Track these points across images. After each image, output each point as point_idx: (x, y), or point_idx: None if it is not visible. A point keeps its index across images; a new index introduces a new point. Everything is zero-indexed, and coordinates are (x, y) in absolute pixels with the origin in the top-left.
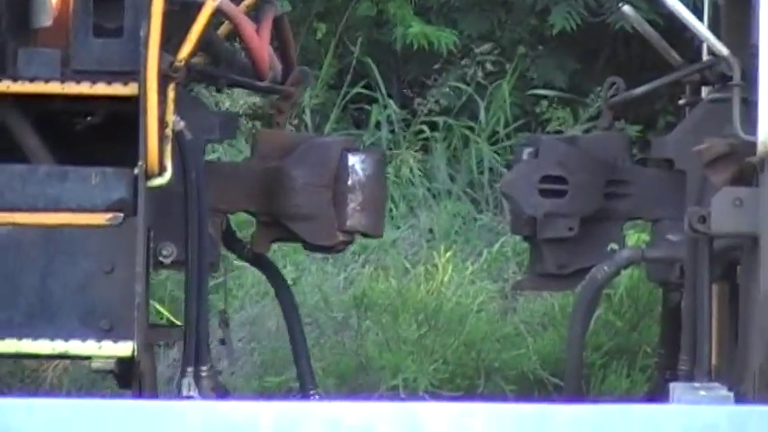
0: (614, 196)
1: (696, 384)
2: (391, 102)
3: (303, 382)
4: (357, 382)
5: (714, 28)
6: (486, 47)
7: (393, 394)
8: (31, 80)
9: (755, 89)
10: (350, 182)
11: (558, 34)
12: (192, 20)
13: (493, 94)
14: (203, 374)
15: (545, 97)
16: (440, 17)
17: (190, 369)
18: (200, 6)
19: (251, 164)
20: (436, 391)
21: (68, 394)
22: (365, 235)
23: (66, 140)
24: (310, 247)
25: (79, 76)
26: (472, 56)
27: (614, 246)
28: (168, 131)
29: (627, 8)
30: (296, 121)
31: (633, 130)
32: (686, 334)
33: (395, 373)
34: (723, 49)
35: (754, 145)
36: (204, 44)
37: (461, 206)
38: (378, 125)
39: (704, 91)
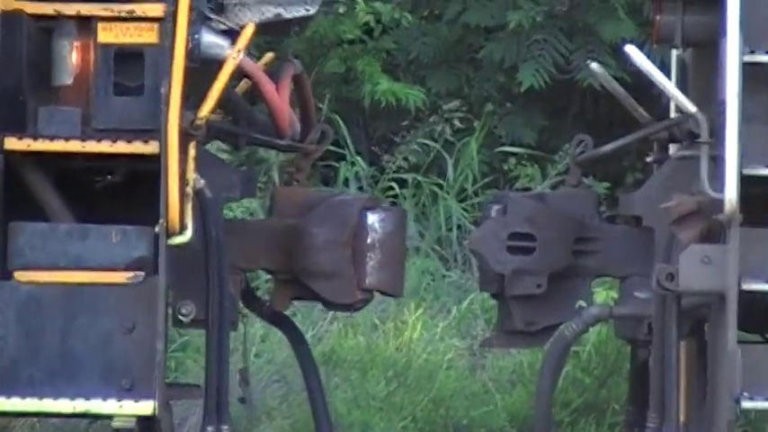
0: (582, 253)
1: None
2: (359, 159)
3: None
4: None
5: (682, 85)
6: (454, 104)
7: None
8: (52, 138)
9: (723, 146)
10: (369, 240)
11: (527, 91)
12: (212, 77)
13: (461, 151)
14: None
15: (513, 154)
16: (408, 74)
17: (211, 428)
18: (220, 64)
19: (270, 222)
20: None
21: None
22: (384, 293)
23: (87, 199)
24: (329, 306)
25: (100, 134)
26: (440, 113)
27: (582, 303)
28: (189, 189)
29: (595, 65)
30: (265, 179)
31: (601, 186)
32: (654, 391)
33: (364, 430)
34: (691, 107)
35: (721, 202)
36: (223, 102)
37: (430, 263)
38: (346, 182)
39: (672, 148)
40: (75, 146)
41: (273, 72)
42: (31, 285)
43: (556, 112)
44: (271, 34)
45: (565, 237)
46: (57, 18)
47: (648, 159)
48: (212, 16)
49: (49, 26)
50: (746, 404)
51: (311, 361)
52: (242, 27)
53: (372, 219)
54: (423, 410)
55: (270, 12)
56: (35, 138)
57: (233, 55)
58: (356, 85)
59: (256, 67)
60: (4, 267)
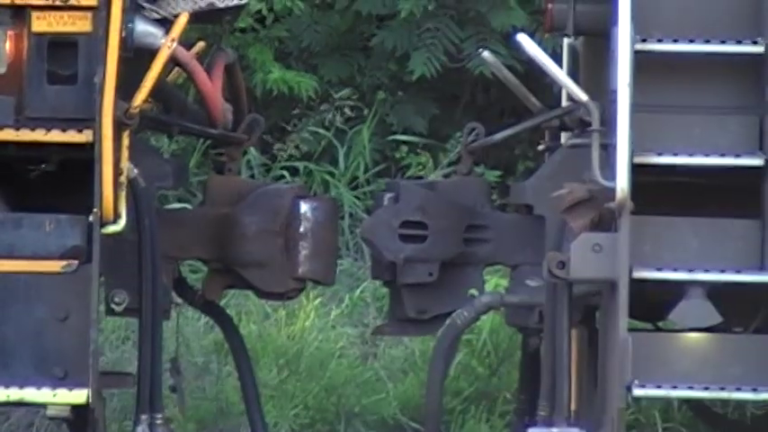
0: (474, 241)
1: (554, 429)
2: (251, 147)
3: (254, 429)
4: (217, 428)
5: (573, 74)
6: (346, 92)
7: None
8: None
9: (614, 135)
10: (302, 229)
11: (418, 80)
12: (145, 66)
13: (352, 139)
14: (158, 422)
15: (405, 143)
16: (300, 62)
17: (144, 416)
18: (153, 53)
19: (202, 211)
20: None
21: None
22: (317, 282)
23: (20, 188)
24: (262, 295)
25: (33, 123)
26: (331, 101)
27: (474, 291)
28: (123, 179)
29: (486, 54)
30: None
31: (492, 175)
32: (545, 379)
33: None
34: (582, 95)
35: (612, 191)
36: (156, 91)
37: None
38: (239, 172)
39: (563, 137)
40: (8, 134)
41: (205, 61)
42: None
43: (447, 100)
44: (203, 23)
45: (456, 225)
46: None
47: (540, 148)
48: (145, 5)
49: None
50: (638, 392)
51: (243, 349)
52: (175, 16)
53: (305, 208)
54: (315, 398)
55: (203, 1)
56: None
57: (167, 44)
58: (248, 74)
59: (190, 57)
60: None
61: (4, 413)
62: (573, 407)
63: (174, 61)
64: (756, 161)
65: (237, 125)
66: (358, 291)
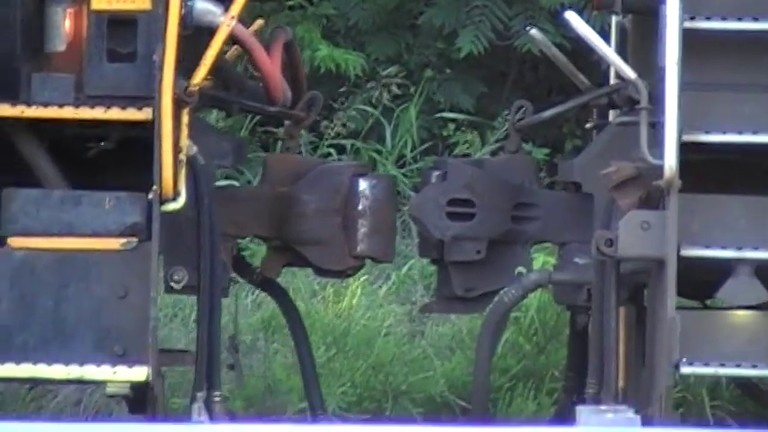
0: (522, 219)
1: (603, 407)
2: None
3: (312, 406)
4: (264, 405)
5: (621, 52)
6: (392, 69)
7: (300, 417)
8: (45, 105)
9: (662, 113)
10: (360, 207)
11: (465, 57)
12: (204, 44)
13: (400, 117)
14: (216, 399)
15: (452, 120)
16: (347, 40)
17: (200, 394)
18: (212, 31)
19: (261, 189)
20: (344, 414)
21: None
22: (375, 260)
23: (80, 165)
24: (320, 272)
25: (93, 100)
26: (378, 79)
27: (522, 269)
28: (182, 156)
29: (534, 31)
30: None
31: (540, 153)
32: (593, 357)
33: (302, 396)
34: (630, 73)
35: (660, 168)
36: (215, 69)
37: None
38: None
39: (611, 114)
40: (68, 112)
41: (264, 39)
42: (25, 251)
43: (495, 78)
44: (261, 1)
45: (504, 203)
46: None
47: (588, 126)
48: None
49: None
50: (685, 370)
51: (301, 327)
52: None
53: (363, 185)
54: (362, 376)
55: None
56: (28, 104)
57: (226, 22)
58: None
59: (249, 35)
60: None
61: (52, 390)
62: (621, 385)
63: (233, 39)
64: None
65: (296, 103)
66: (405, 268)
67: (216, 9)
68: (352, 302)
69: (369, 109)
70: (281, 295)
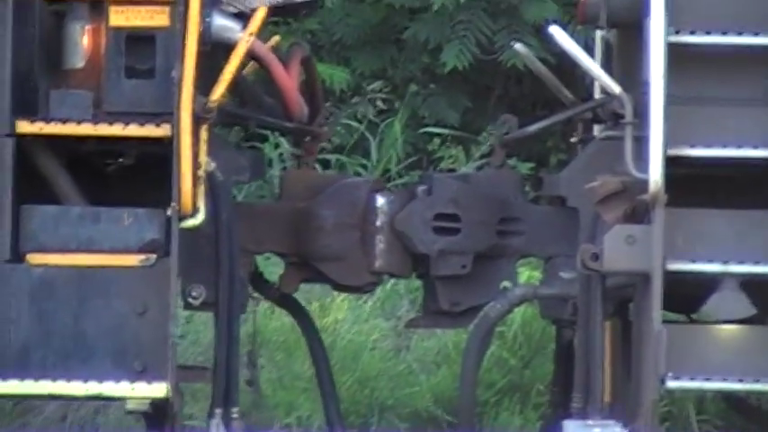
0: (507, 234)
1: (589, 421)
2: (283, 140)
3: (330, 422)
4: (251, 420)
5: (606, 66)
6: (378, 84)
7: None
8: (64, 122)
9: (647, 127)
10: (378, 222)
11: (450, 72)
12: (222, 61)
13: (385, 131)
14: (234, 416)
15: (437, 135)
16: (332, 55)
17: (219, 410)
18: (230, 47)
19: (279, 205)
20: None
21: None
22: (393, 275)
23: (99, 182)
24: (338, 288)
25: (111, 117)
26: (363, 93)
27: (507, 283)
28: (201, 173)
29: (519, 46)
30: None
31: (525, 167)
32: (579, 371)
33: (289, 410)
34: (615, 87)
35: (646, 182)
36: (233, 85)
37: None
38: (270, 163)
39: (596, 129)
40: (87, 129)
41: (281, 55)
42: (44, 268)
43: (480, 92)
44: (280, 17)
45: (490, 217)
46: (69, 2)
47: (573, 140)
48: None
49: (61, 10)
50: (671, 384)
51: (319, 342)
52: (252, 10)
53: (381, 201)
54: (347, 391)
55: None
56: (47, 121)
57: (245, 38)
58: None
59: (267, 51)
60: (17, 250)
61: (39, 406)
62: (607, 399)
63: (251, 55)
64: None
65: (313, 118)
66: (390, 283)
67: (234, 25)
68: (338, 317)
69: (354, 123)
70: (299, 312)
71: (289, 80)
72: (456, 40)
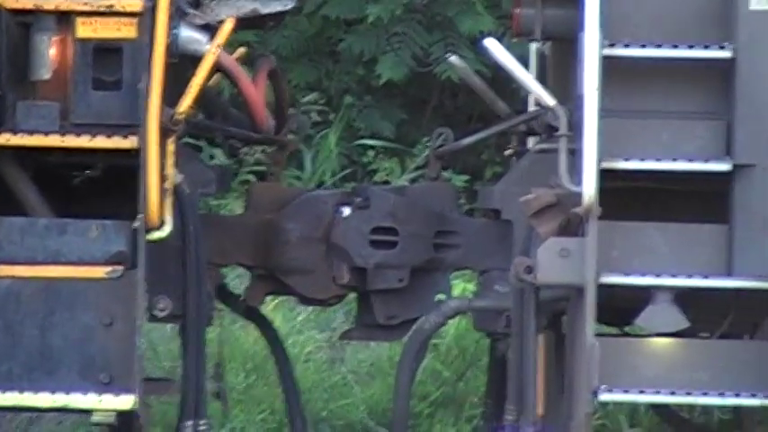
0: (443, 247)
1: None
2: (218, 151)
3: None
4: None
5: (541, 79)
6: (313, 96)
7: None
8: (31, 133)
9: (581, 140)
10: None
11: (385, 84)
12: (189, 72)
13: (319, 143)
14: (202, 428)
15: (372, 147)
16: None
17: (189, 423)
18: (196, 59)
19: (245, 217)
20: None
21: None
22: (357, 290)
23: (65, 193)
24: (304, 301)
25: (79, 129)
26: (298, 105)
27: (441, 296)
28: (168, 185)
29: (454, 58)
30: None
31: (460, 180)
32: (512, 383)
33: (223, 422)
34: (549, 100)
35: (579, 195)
36: (199, 97)
37: None
38: None
39: (531, 141)
40: (54, 140)
41: (248, 67)
42: (10, 280)
43: (415, 104)
44: (246, 29)
45: (426, 230)
46: (35, 12)
47: (507, 152)
48: (190, 11)
49: (27, 21)
50: (604, 396)
51: (285, 356)
52: (219, 22)
53: (347, 214)
54: (282, 403)
55: (247, 7)
56: (14, 132)
57: (212, 50)
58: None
59: (234, 63)
60: None
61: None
62: (540, 412)
63: (218, 67)
64: (724, 166)
65: (280, 129)
66: None
67: (201, 37)
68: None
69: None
70: (265, 325)
71: (255, 92)
72: (391, 53)
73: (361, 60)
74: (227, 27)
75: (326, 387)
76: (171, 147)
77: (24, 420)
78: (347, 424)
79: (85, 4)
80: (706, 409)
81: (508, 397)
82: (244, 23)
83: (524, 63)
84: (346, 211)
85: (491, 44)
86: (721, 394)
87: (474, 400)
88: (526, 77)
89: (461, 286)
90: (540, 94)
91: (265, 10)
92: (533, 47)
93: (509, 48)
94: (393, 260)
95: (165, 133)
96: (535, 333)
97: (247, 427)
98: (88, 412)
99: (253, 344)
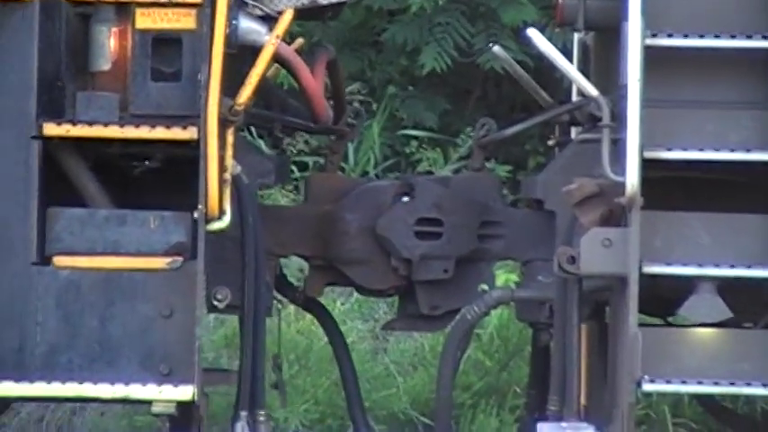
0: (487, 237)
1: (564, 424)
2: (261, 142)
3: (356, 425)
4: (226, 423)
5: (583, 69)
6: (356, 86)
7: None
8: (90, 124)
9: (624, 130)
10: None
11: (428, 74)
12: (248, 63)
13: (363, 134)
14: (260, 419)
15: (415, 137)
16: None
17: (244, 413)
18: (255, 50)
19: (304, 208)
20: (307, 431)
21: None
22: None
23: (125, 184)
24: (363, 291)
25: (138, 120)
26: None
27: (484, 286)
28: (227, 175)
29: (497, 49)
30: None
31: (503, 170)
32: (555, 374)
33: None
34: (592, 90)
35: (622, 185)
36: (258, 87)
37: None
38: None
39: (573, 132)
40: (113, 131)
41: (307, 58)
42: (70, 271)
43: (458, 95)
44: (305, 20)
45: (471, 221)
46: (95, 4)
47: (550, 143)
48: (249, 2)
49: (87, 12)
50: (648, 387)
51: (344, 347)
52: (278, 13)
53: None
54: (325, 393)
55: None
56: (74, 123)
57: (271, 41)
58: None
59: (293, 54)
60: (43, 253)
61: (13, 408)
62: (583, 402)
63: (277, 58)
64: (766, 156)
65: (338, 119)
66: None
67: (260, 28)
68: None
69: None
70: (323, 315)
71: (314, 83)
72: (434, 43)
73: (404, 50)
74: (287, 18)
75: (369, 378)
76: (230, 138)
77: (68, 410)
78: (390, 414)
79: None
80: (749, 400)
81: (551, 387)
82: (303, 14)
83: (567, 53)
84: (407, 200)
85: (534, 34)
86: (765, 385)
87: (517, 391)
88: (569, 67)
89: (504, 277)
90: (582, 84)
91: (324, 1)
92: (576, 37)
93: (552, 38)
94: (438, 251)
95: (224, 124)
96: (578, 323)
97: (290, 417)
98: (148, 403)
99: (295, 334)
